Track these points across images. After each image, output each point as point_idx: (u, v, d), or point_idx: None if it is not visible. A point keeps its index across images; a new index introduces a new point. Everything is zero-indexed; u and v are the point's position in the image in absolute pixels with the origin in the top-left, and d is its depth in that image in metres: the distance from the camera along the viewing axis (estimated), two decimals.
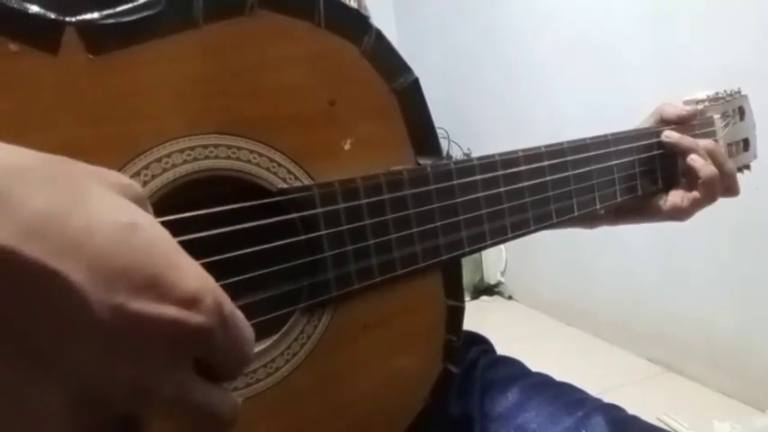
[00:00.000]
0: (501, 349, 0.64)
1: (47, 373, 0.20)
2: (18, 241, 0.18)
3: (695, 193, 0.57)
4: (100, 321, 0.20)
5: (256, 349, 0.35)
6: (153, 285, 0.21)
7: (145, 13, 0.31)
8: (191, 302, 0.21)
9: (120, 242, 0.20)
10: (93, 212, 0.20)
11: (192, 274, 0.22)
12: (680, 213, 0.58)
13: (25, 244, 0.19)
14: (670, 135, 0.58)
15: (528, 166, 0.46)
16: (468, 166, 0.43)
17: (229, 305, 0.23)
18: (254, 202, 0.35)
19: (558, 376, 0.57)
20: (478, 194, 0.43)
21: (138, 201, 0.23)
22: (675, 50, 1.58)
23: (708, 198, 0.58)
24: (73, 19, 0.29)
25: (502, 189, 0.44)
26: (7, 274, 0.19)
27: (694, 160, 0.57)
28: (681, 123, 0.60)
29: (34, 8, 0.28)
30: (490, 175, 0.44)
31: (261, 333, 0.35)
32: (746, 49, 1.38)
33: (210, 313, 0.22)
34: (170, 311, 0.21)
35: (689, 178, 0.59)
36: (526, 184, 0.46)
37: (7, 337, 0.19)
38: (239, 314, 0.24)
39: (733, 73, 1.24)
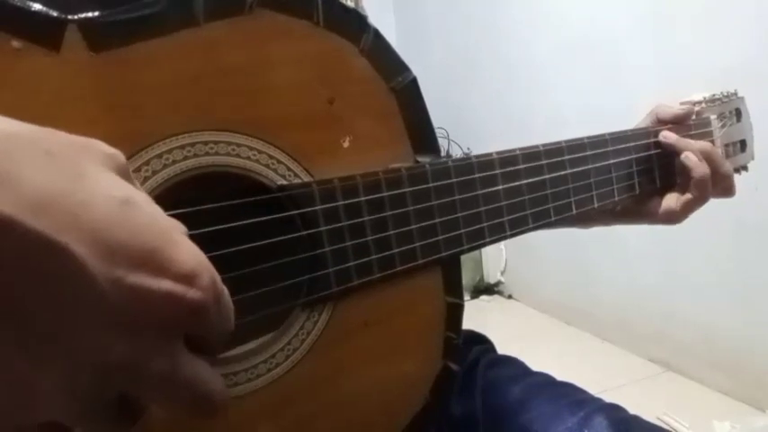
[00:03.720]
0: (501, 349, 0.64)
1: (45, 348, 0.20)
2: (21, 213, 0.19)
3: (688, 195, 0.58)
4: (100, 294, 0.20)
5: (257, 344, 0.36)
6: (151, 259, 0.21)
7: (146, 12, 0.31)
8: (188, 278, 0.22)
9: (119, 216, 0.21)
10: (92, 187, 0.21)
11: (188, 251, 0.22)
12: (674, 216, 0.59)
13: (29, 216, 0.19)
14: (667, 135, 0.58)
15: (526, 165, 0.46)
16: (467, 165, 0.43)
17: (221, 283, 0.24)
18: (253, 198, 0.35)
19: (558, 376, 0.57)
20: (477, 192, 0.43)
21: (124, 171, 0.23)
22: (675, 50, 1.58)
23: (700, 198, 0.58)
24: (75, 17, 0.29)
25: (500, 187, 0.45)
26: (10, 246, 0.19)
27: (688, 158, 0.57)
28: (677, 123, 0.60)
29: (37, 6, 0.28)
30: (488, 173, 0.44)
31: (261, 328, 0.36)
32: (746, 50, 1.39)
33: (207, 289, 0.22)
34: (168, 285, 0.21)
35: (683, 178, 0.59)
36: (524, 182, 0.46)
37: (8, 310, 0.19)
38: (227, 291, 0.24)
39: (733, 73, 1.24)
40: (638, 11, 1.68)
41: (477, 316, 2.25)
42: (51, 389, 0.21)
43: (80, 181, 0.21)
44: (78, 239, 0.20)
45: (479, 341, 0.64)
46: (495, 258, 2.49)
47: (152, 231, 0.22)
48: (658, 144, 0.58)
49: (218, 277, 0.23)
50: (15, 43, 0.28)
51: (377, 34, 0.39)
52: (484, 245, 0.45)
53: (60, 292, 0.20)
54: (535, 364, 0.59)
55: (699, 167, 0.57)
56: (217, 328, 0.24)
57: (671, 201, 0.58)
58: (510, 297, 2.51)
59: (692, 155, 0.57)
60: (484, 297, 2.54)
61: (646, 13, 1.66)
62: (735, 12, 1.41)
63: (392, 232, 0.39)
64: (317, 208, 0.37)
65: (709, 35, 1.48)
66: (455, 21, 2.53)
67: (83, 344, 0.20)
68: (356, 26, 0.38)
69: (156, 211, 0.23)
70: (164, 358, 0.22)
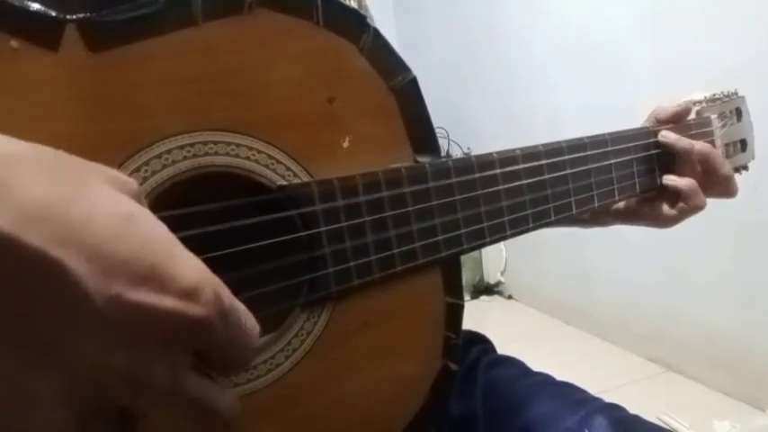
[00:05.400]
0: (501, 349, 0.64)
1: (43, 362, 0.20)
2: (18, 228, 0.19)
3: (681, 204, 0.58)
4: (98, 311, 0.20)
5: (256, 345, 0.35)
6: (152, 276, 0.21)
7: (144, 11, 0.31)
8: (190, 294, 0.21)
9: (119, 232, 0.21)
10: (92, 203, 0.20)
11: (190, 266, 0.22)
12: (669, 221, 0.59)
13: (26, 231, 0.19)
14: (666, 135, 0.58)
15: (526, 165, 0.46)
16: (467, 165, 0.43)
17: (229, 297, 0.23)
18: (253, 199, 0.35)
19: (558, 376, 0.57)
20: (477, 192, 0.43)
21: (134, 197, 0.23)
22: (675, 51, 1.58)
23: (693, 208, 0.58)
24: (73, 16, 0.29)
25: (500, 187, 0.45)
26: (7, 261, 0.19)
27: (671, 179, 0.57)
28: (676, 122, 0.60)
29: (35, 5, 0.28)
30: (488, 173, 0.44)
31: (261, 329, 0.36)
32: (746, 50, 1.39)
33: (210, 305, 0.22)
34: (168, 303, 0.21)
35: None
36: (524, 182, 0.46)
37: (5, 324, 0.19)
38: (240, 306, 0.24)
39: (733, 73, 1.24)
40: (638, 11, 1.68)
41: (477, 316, 2.24)
42: (50, 402, 0.20)
43: (80, 194, 0.20)
44: (75, 255, 0.19)
45: (479, 341, 0.64)
46: (495, 258, 2.49)
47: (153, 247, 0.21)
48: (659, 144, 0.58)
49: (224, 291, 0.23)
50: (14, 43, 0.28)
51: (377, 34, 0.39)
52: (484, 245, 0.45)
53: (56, 308, 0.20)
54: (535, 365, 0.59)
55: (682, 183, 0.57)
56: (227, 344, 0.23)
57: (665, 207, 0.59)
58: (510, 297, 2.51)
59: (672, 177, 0.57)
60: (484, 297, 2.54)
61: (646, 13, 1.66)
62: (735, 12, 1.41)
63: (392, 232, 0.39)
64: (316, 208, 0.37)
65: (709, 35, 1.48)
66: (455, 21, 2.53)
67: (80, 358, 0.20)
68: (356, 26, 0.38)
69: (159, 226, 0.22)
70: (165, 376, 0.22)
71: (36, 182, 0.20)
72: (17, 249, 0.19)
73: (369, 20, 0.39)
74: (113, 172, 0.23)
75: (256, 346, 0.25)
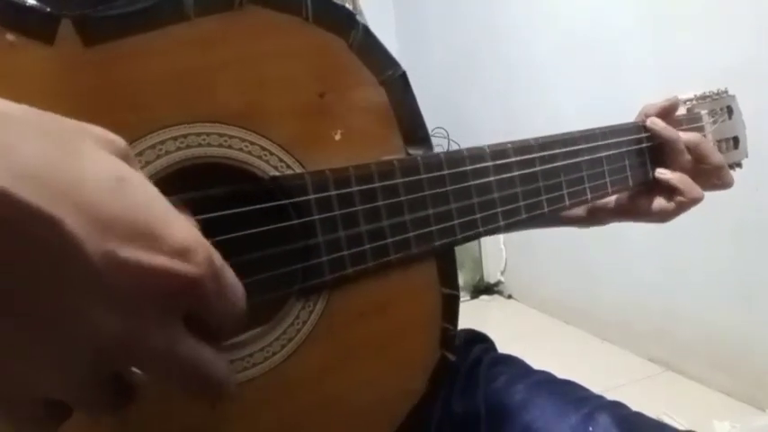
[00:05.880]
0: (501, 348, 0.64)
1: (39, 325, 0.20)
2: (13, 184, 0.19)
3: (679, 198, 0.58)
4: (92, 268, 0.20)
5: (252, 334, 0.36)
6: (145, 234, 0.21)
7: (138, 7, 0.32)
8: (182, 253, 0.22)
9: (112, 192, 0.21)
10: (85, 163, 0.21)
11: (183, 227, 0.22)
12: (666, 216, 0.59)
13: (21, 187, 0.19)
14: (655, 122, 0.58)
15: (517, 158, 0.47)
16: (458, 158, 0.44)
17: (220, 260, 0.23)
18: (245, 188, 0.36)
19: (558, 375, 0.57)
20: (469, 183, 0.44)
21: (124, 155, 0.23)
22: (675, 51, 1.58)
23: (692, 200, 0.58)
24: (68, 12, 0.30)
25: (492, 178, 0.45)
26: (4, 218, 0.19)
27: (662, 173, 0.58)
28: (665, 117, 0.60)
29: (31, 0, 0.29)
30: (480, 165, 0.44)
31: (256, 318, 0.36)
32: (746, 50, 1.39)
33: (202, 264, 0.22)
34: (161, 260, 0.21)
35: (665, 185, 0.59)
36: (516, 173, 0.47)
37: (1, 285, 0.19)
38: (230, 270, 0.24)
39: (733, 73, 1.24)
40: (638, 11, 1.68)
41: (478, 316, 2.25)
42: (47, 366, 0.21)
43: (74, 157, 0.21)
44: (72, 213, 0.19)
45: (481, 340, 0.64)
46: (495, 258, 2.49)
47: (146, 208, 0.21)
48: (650, 138, 0.58)
49: (216, 255, 0.23)
50: (9, 36, 0.28)
51: (366, 30, 0.39)
52: (478, 235, 0.45)
53: (53, 266, 0.20)
54: (535, 364, 0.59)
55: (674, 179, 0.57)
56: (217, 307, 0.23)
57: (662, 201, 0.59)
58: (510, 297, 2.51)
59: (663, 170, 0.58)
60: (484, 297, 2.54)
61: (646, 13, 1.66)
62: (734, 12, 1.42)
63: (385, 222, 0.40)
64: (309, 197, 0.37)
65: (709, 35, 1.48)
66: (455, 21, 2.53)
67: (76, 320, 0.20)
68: (345, 22, 0.39)
69: (151, 190, 0.23)
70: (160, 335, 0.22)
71: (30, 142, 0.20)
72: (15, 206, 0.19)
73: (359, 16, 0.39)
74: (100, 130, 0.23)
75: (244, 312, 0.25)
